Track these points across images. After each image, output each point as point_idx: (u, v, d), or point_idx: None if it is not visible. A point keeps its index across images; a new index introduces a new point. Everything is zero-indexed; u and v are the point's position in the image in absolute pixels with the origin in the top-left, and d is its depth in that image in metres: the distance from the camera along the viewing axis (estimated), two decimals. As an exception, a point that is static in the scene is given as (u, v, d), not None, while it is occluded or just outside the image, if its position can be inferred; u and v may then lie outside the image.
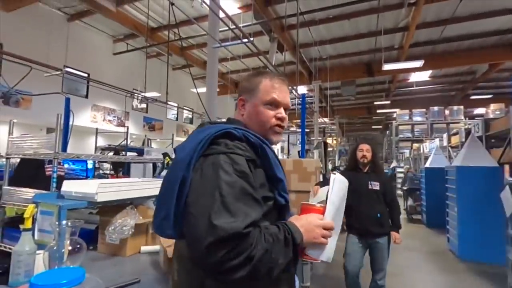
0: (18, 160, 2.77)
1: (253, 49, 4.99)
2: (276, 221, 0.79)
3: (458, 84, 13.89)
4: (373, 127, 24.62)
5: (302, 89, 11.25)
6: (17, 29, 7.63)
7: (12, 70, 4.90)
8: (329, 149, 9.51)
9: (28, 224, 1.04)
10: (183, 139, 2.82)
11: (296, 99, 10.37)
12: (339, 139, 16.84)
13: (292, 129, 21.36)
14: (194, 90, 12.34)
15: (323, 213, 0.86)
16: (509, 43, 9.13)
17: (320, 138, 11.52)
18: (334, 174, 0.95)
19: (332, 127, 16.19)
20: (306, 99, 8.65)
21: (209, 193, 0.69)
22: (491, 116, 11.88)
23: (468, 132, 4.89)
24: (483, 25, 8.21)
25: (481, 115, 14.52)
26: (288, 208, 0.89)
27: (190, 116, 14.79)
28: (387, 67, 7.65)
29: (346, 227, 2.68)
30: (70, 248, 1.02)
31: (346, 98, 14.80)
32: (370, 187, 2.60)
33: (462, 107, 13.41)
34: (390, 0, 7.23)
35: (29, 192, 1.47)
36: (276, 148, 21.74)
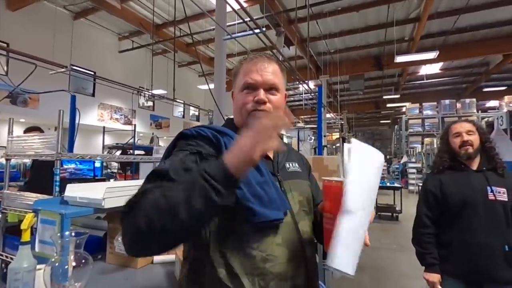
0: (30, 161, 2.70)
1: (260, 44, 4.83)
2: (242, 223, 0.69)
3: (470, 76, 13.51)
4: (381, 121, 24.25)
5: (309, 84, 11.03)
6: (22, 28, 7.58)
7: (19, 69, 4.83)
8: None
9: (26, 237, 0.91)
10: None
11: (304, 94, 10.16)
12: (347, 135, 16.56)
13: (299, 125, 21.13)
14: (200, 87, 12.24)
15: (340, 190, 0.61)
16: (525, 32, 8.78)
17: (328, 134, 11.31)
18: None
19: (341, 122, 15.94)
20: (313, 94, 8.47)
21: None
22: (505, 108, 11.50)
23: (488, 125, 4.66)
24: (498, 14, 7.89)
25: (493, 108, 14.10)
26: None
27: (197, 114, 14.70)
28: (400, 59, 7.41)
29: (440, 264, 1.58)
30: (74, 264, 0.89)
31: (354, 93, 14.52)
32: (491, 196, 1.50)
33: (474, 99, 13.03)
34: (401, -10, 6.98)
35: (31, 197, 1.35)
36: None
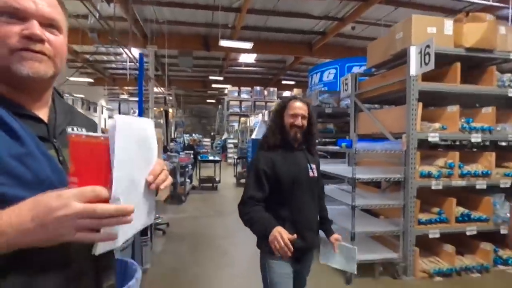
0: None
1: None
2: None
3: (274, 69, 16.73)
4: (207, 101, 25.95)
5: (135, 52, 10.04)
6: None
7: None
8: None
9: None
10: None
11: (128, 63, 9.14)
12: (175, 111, 16.62)
13: (122, 96, 19.02)
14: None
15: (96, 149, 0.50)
16: (308, 41, 11.74)
17: (155, 108, 10.87)
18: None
19: (169, 98, 15.69)
20: (138, 64, 7.79)
21: None
22: (294, 98, 15.23)
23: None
24: (293, 23, 10.06)
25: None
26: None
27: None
28: (223, 43, 8.04)
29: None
30: None
31: (183, 69, 14.62)
32: (311, 173, 1.65)
33: (276, 89, 16.40)
34: (227, -23, 7.47)
35: None
36: (104, 118, 18.77)
